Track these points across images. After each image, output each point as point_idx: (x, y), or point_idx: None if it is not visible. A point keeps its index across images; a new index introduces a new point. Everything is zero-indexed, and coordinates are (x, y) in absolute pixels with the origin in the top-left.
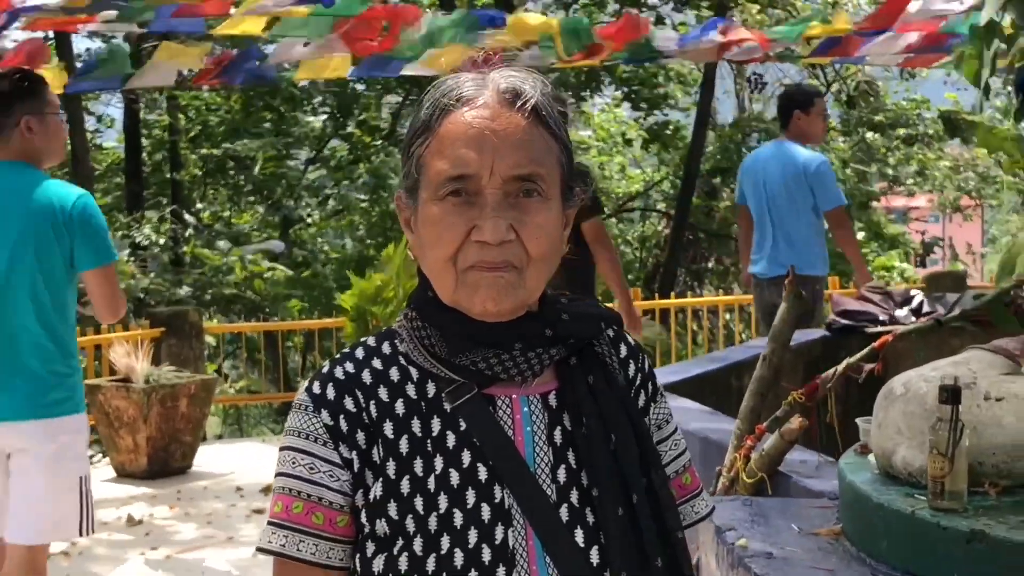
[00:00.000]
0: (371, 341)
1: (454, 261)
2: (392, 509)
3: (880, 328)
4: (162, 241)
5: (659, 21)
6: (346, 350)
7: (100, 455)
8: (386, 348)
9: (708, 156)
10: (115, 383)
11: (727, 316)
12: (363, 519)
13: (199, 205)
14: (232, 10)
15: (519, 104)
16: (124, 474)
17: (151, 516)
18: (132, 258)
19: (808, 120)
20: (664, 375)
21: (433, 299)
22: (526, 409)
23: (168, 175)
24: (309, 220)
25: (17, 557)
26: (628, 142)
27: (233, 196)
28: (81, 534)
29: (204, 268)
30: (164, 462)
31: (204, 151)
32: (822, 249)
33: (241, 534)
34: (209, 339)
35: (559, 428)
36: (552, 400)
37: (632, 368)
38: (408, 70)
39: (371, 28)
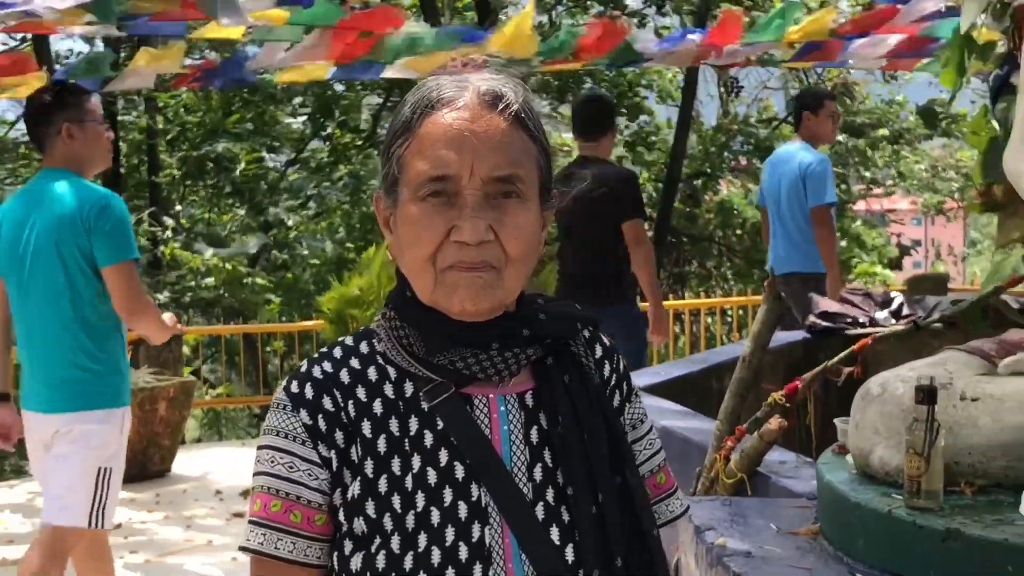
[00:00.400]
0: (349, 340)
1: (433, 261)
2: (370, 508)
3: (860, 330)
4: (141, 244)
5: (641, 25)
6: (324, 350)
7: None
8: (364, 347)
9: (690, 160)
10: None
11: (708, 319)
12: (341, 518)
13: (178, 207)
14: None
15: (499, 106)
16: None
17: (130, 520)
18: None
19: (817, 121)
20: (645, 376)
21: (411, 299)
22: (503, 408)
23: (146, 177)
24: (289, 223)
25: (41, 538)
26: None
27: (212, 198)
28: (90, 525)
29: (183, 270)
30: (143, 465)
31: (183, 153)
32: None
33: (221, 538)
34: (185, 348)
35: (535, 427)
36: (529, 400)
37: (607, 368)
38: (389, 73)
39: (350, 35)
